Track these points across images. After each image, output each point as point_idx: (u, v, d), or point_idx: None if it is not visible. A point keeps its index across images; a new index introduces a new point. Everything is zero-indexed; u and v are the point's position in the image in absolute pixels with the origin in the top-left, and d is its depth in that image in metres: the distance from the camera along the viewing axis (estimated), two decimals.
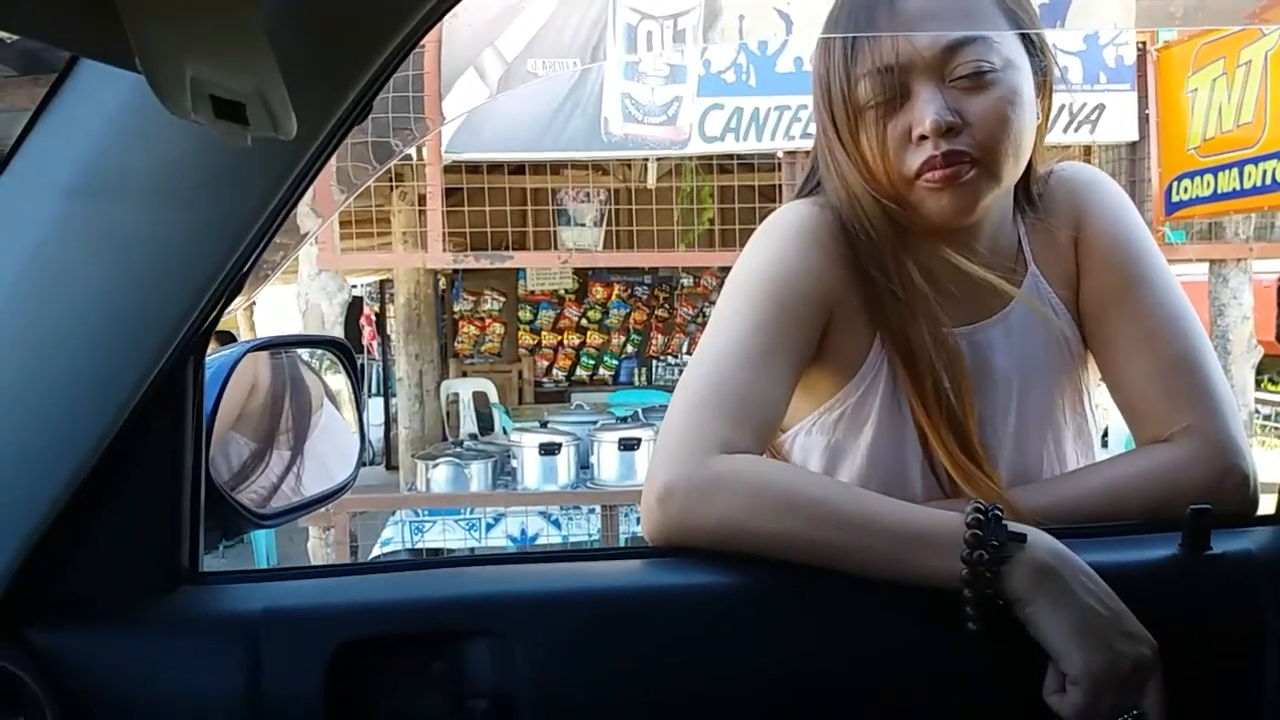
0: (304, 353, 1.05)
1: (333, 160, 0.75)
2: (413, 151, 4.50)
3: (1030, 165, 1.01)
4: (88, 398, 0.69)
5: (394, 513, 3.94)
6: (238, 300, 0.78)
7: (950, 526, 0.78)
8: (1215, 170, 3.42)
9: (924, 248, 0.97)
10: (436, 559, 1.00)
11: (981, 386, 0.99)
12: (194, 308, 0.69)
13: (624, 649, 0.76)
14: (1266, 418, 4.60)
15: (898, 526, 0.80)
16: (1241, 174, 3.29)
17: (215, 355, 0.84)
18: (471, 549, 4.11)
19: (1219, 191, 3.41)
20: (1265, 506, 0.93)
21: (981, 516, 0.77)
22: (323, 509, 1.04)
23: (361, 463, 1.00)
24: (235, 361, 0.86)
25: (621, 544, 3.91)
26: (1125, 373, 0.99)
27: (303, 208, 0.81)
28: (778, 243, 0.99)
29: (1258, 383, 5.19)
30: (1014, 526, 0.78)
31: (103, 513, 0.74)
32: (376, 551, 3.84)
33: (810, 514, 0.81)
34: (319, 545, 3.59)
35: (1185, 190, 3.58)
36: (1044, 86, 0.99)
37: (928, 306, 0.97)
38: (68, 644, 0.73)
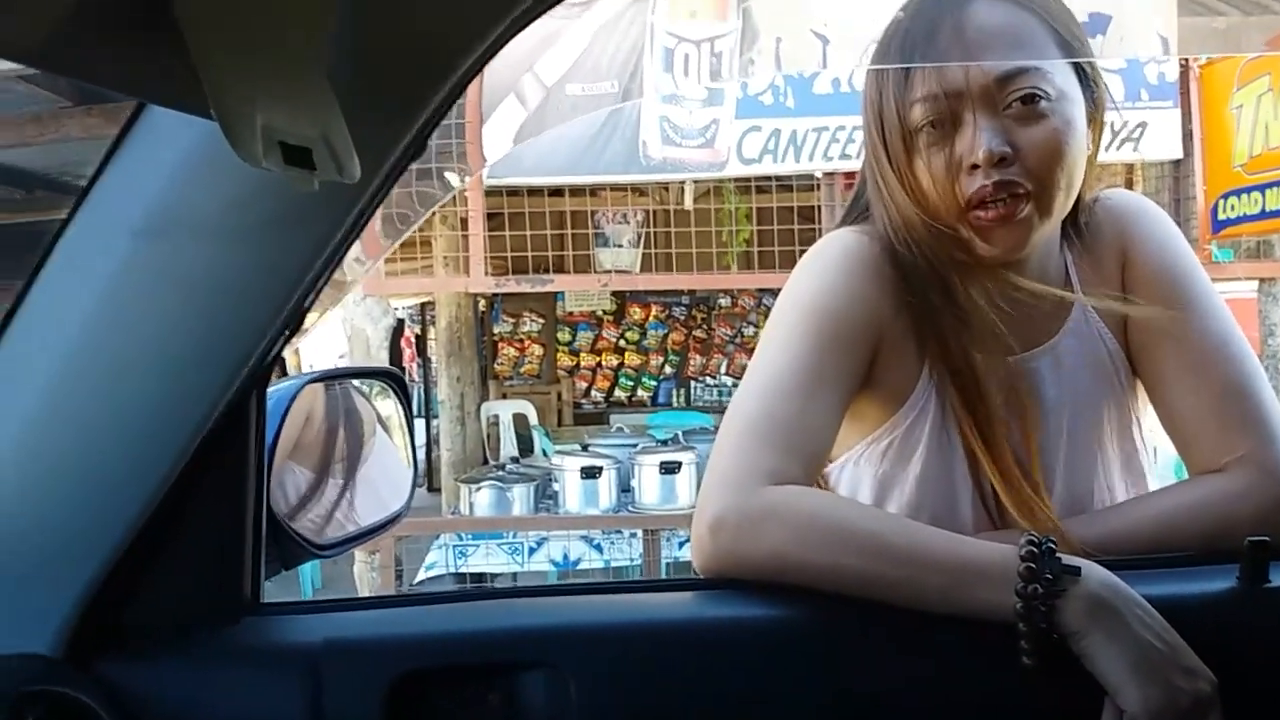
0: (356, 383, 1.07)
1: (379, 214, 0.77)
2: (453, 176, 4.56)
3: (1079, 195, 1.00)
4: (156, 431, 0.71)
5: (438, 536, 3.97)
6: (298, 337, 0.80)
7: (1004, 560, 0.77)
8: (1263, 188, 3.36)
9: (974, 274, 0.97)
10: (492, 589, 1.01)
11: (1031, 416, 0.98)
12: (257, 343, 0.71)
13: (677, 682, 0.76)
14: None
15: (950, 559, 0.79)
16: None
17: (275, 388, 0.86)
18: (514, 574, 4.12)
19: (1267, 209, 3.34)
20: None
21: (1035, 549, 0.76)
22: (377, 538, 1.05)
23: (414, 492, 1.02)
24: (295, 393, 0.88)
25: (663, 568, 3.89)
26: (1176, 402, 0.98)
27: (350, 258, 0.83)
28: (824, 271, 0.99)
29: None
30: (1068, 559, 0.77)
31: (169, 544, 0.76)
32: (421, 576, 3.86)
33: (862, 546, 0.80)
34: (364, 569, 3.62)
35: (1232, 208, 3.52)
36: (1096, 116, 0.98)
37: (981, 333, 0.96)
38: (135, 674, 0.75)
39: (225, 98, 0.46)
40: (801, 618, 0.79)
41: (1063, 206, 0.95)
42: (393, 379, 1.02)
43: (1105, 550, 0.89)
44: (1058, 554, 0.77)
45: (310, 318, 0.79)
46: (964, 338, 0.96)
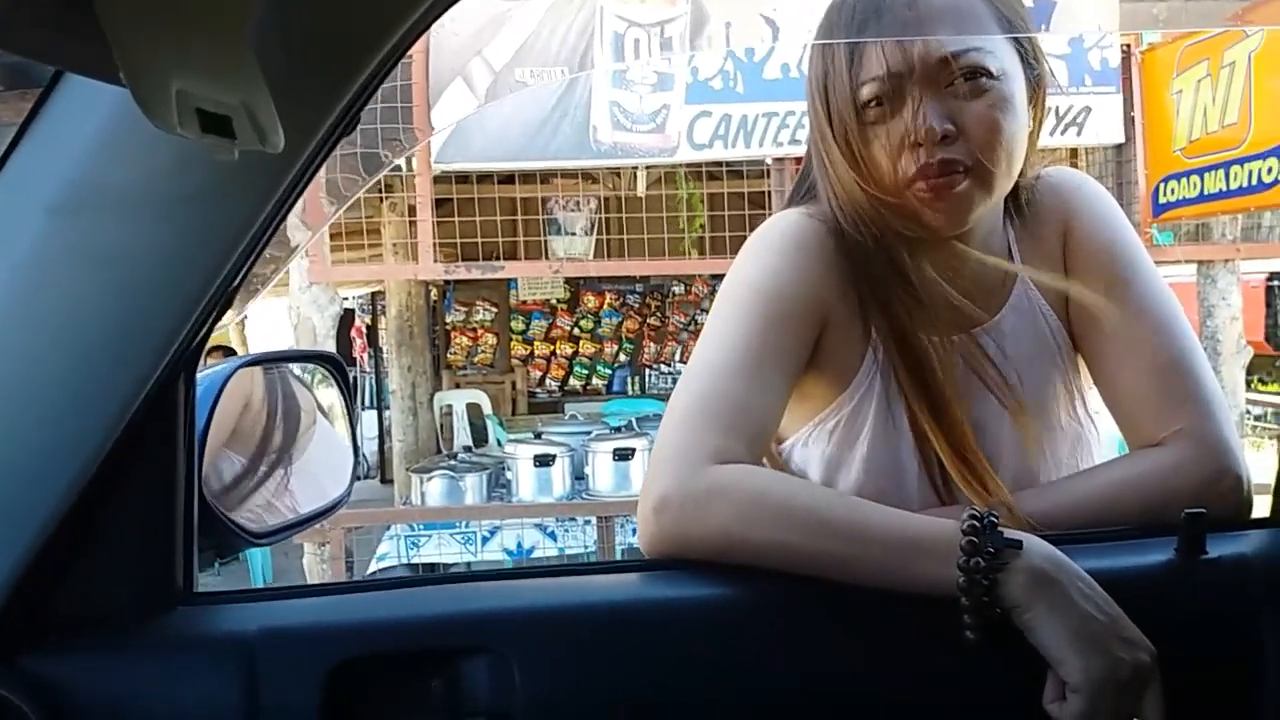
0: (296, 368, 1.05)
1: (322, 172, 0.75)
2: (402, 162, 4.50)
3: (1021, 173, 1.00)
4: (78, 416, 0.69)
5: (389, 527, 3.93)
6: (229, 314, 0.77)
7: (946, 534, 0.77)
8: (1201, 171, 3.44)
9: (919, 250, 0.97)
10: (432, 575, 0.99)
11: (977, 393, 0.99)
12: (184, 323, 0.68)
13: (622, 663, 0.76)
14: (1258, 418, 4.62)
15: (893, 535, 0.80)
16: (1228, 175, 3.31)
17: (207, 372, 0.84)
18: (468, 563, 4.09)
19: (1205, 193, 3.42)
20: (1260, 509, 0.93)
21: (977, 523, 0.77)
22: (317, 525, 1.03)
23: (355, 478, 1.00)
24: (227, 378, 0.85)
25: (618, 554, 3.89)
26: (1116, 377, 0.99)
27: (293, 220, 0.81)
28: (767, 252, 0.99)
29: (1248, 383, 5.21)
30: (1010, 533, 0.78)
31: (96, 533, 0.73)
32: (373, 567, 3.82)
33: (805, 524, 0.80)
34: (314, 561, 3.57)
35: (1172, 192, 3.60)
36: (1037, 95, 0.99)
37: (923, 311, 0.96)
38: (61, 667, 0.72)
39: (136, 62, 0.44)
40: (748, 597, 0.79)
41: (1004, 184, 0.95)
42: (332, 363, 0.99)
43: (1048, 525, 0.90)
44: (1000, 528, 0.77)
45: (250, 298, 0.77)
46: (910, 314, 0.96)
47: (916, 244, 0.97)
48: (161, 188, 0.64)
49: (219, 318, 0.74)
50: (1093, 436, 1.08)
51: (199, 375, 0.80)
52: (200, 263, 0.67)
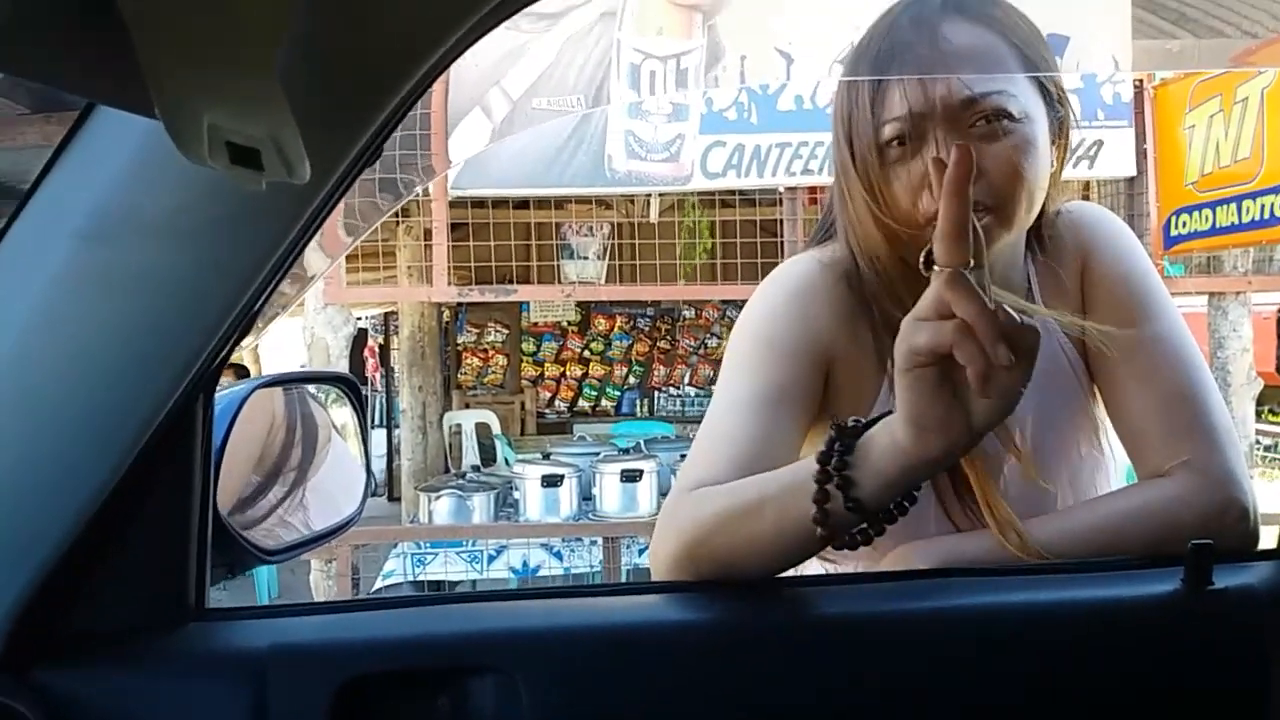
0: (310, 388, 1.06)
1: (340, 206, 0.77)
2: (419, 187, 4.54)
3: (1043, 209, 1.01)
4: (99, 434, 0.70)
5: (396, 545, 3.93)
6: (248, 338, 0.79)
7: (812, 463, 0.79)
8: (1213, 205, 3.45)
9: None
10: (441, 594, 1.00)
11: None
12: (204, 347, 0.70)
13: (628, 686, 0.76)
14: (1268, 449, 4.59)
15: (780, 483, 0.82)
16: (1240, 209, 3.32)
17: (225, 392, 0.85)
18: (474, 581, 4.09)
19: (1217, 226, 3.43)
20: (1267, 541, 0.93)
21: (837, 429, 0.78)
22: (328, 544, 1.05)
23: (367, 498, 1.01)
24: (244, 398, 0.87)
25: (624, 575, 3.88)
26: (1126, 406, 1.00)
27: (311, 247, 0.82)
28: (774, 297, 1.02)
29: (1258, 414, 5.18)
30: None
31: (112, 549, 0.75)
32: (379, 584, 3.82)
33: (719, 516, 0.84)
34: (321, 578, 3.58)
35: (1184, 225, 3.60)
36: (1061, 135, 1.00)
37: None
38: (74, 681, 0.73)
39: (171, 97, 0.46)
40: (751, 619, 0.80)
41: (1024, 222, 0.97)
42: (346, 384, 1.01)
43: (1054, 553, 0.91)
44: (852, 427, 0.78)
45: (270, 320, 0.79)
46: None
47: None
48: (187, 216, 0.66)
49: (239, 341, 0.75)
50: (1113, 468, 1.09)
51: (217, 395, 0.82)
52: (222, 289, 0.69)
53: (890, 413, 0.76)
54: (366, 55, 0.65)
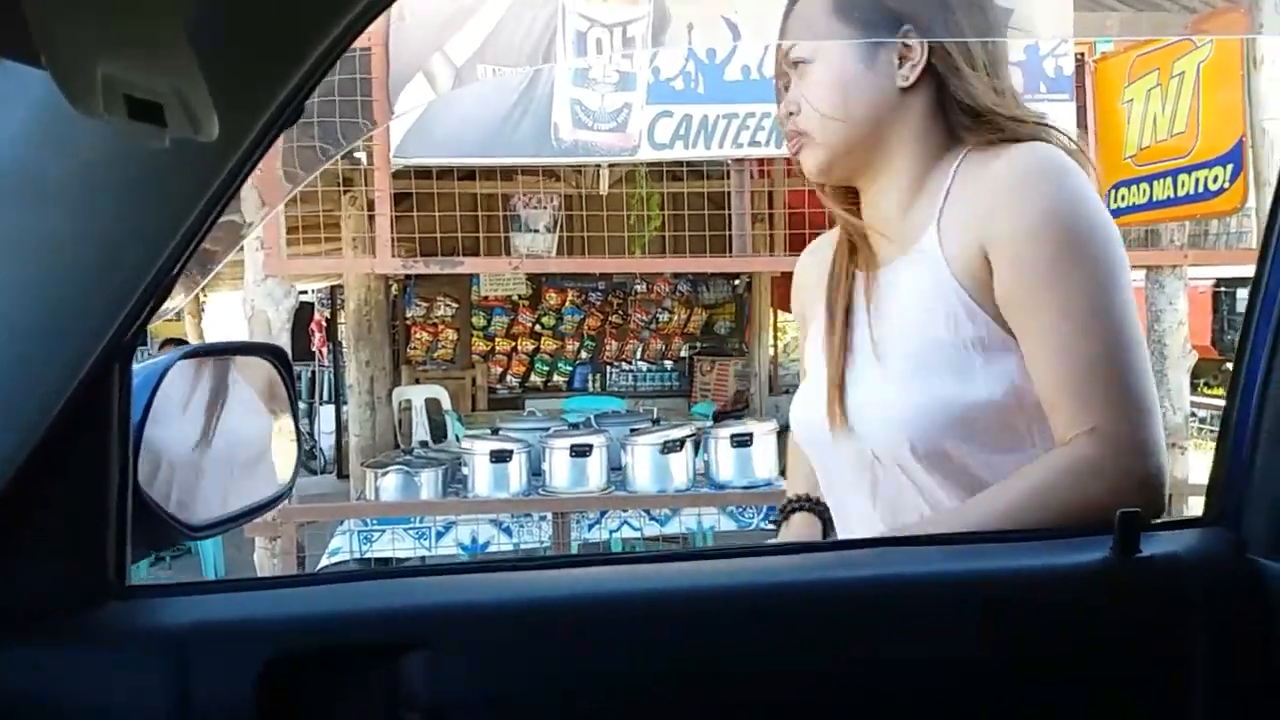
0: (239, 360, 1.03)
1: (279, 165, 0.74)
2: (362, 156, 4.45)
3: (1000, 128, 1.05)
4: (8, 406, 0.67)
5: (342, 522, 3.89)
6: (172, 303, 0.76)
7: None
8: (1150, 179, 3.51)
9: (848, 198, 1.18)
10: (368, 570, 0.99)
11: (858, 326, 1.13)
12: (117, 313, 0.67)
13: (559, 659, 0.76)
14: (1203, 421, 4.72)
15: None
16: (1175, 182, 3.38)
17: (146, 364, 0.82)
18: (422, 558, 4.06)
19: (1154, 199, 3.49)
20: (1195, 509, 0.95)
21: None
22: (261, 518, 1.03)
23: (298, 471, 0.99)
24: (165, 369, 0.84)
25: (573, 551, 3.89)
26: (1036, 372, 0.99)
27: (249, 189, 0.80)
28: None
29: (1195, 387, 5.32)
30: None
31: (24, 524, 0.72)
32: (325, 562, 3.77)
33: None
34: (265, 556, 3.53)
35: (1123, 198, 3.66)
36: (902, 53, 1.08)
37: (853, 249, 1.18)
38: None
39: (57, 43, 0.43)
40: (683, 588, 0.80)
41: (844, 138, 1.10)
42: (275, 355, 0.98)
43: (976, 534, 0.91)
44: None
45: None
46: (846, 252, 1.18)
47: (849, 191, 1.17)
48: (96, 175, 0.63)
49: (156, 308, 0.72)
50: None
51: (137, 367, 0.79)
52: (135, 252, 0.66)
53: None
54: (284, 7, 0.62)
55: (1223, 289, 9.97)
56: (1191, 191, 3.31)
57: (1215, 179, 3.20)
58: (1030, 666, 0.82)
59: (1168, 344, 3.70)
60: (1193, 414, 4.31)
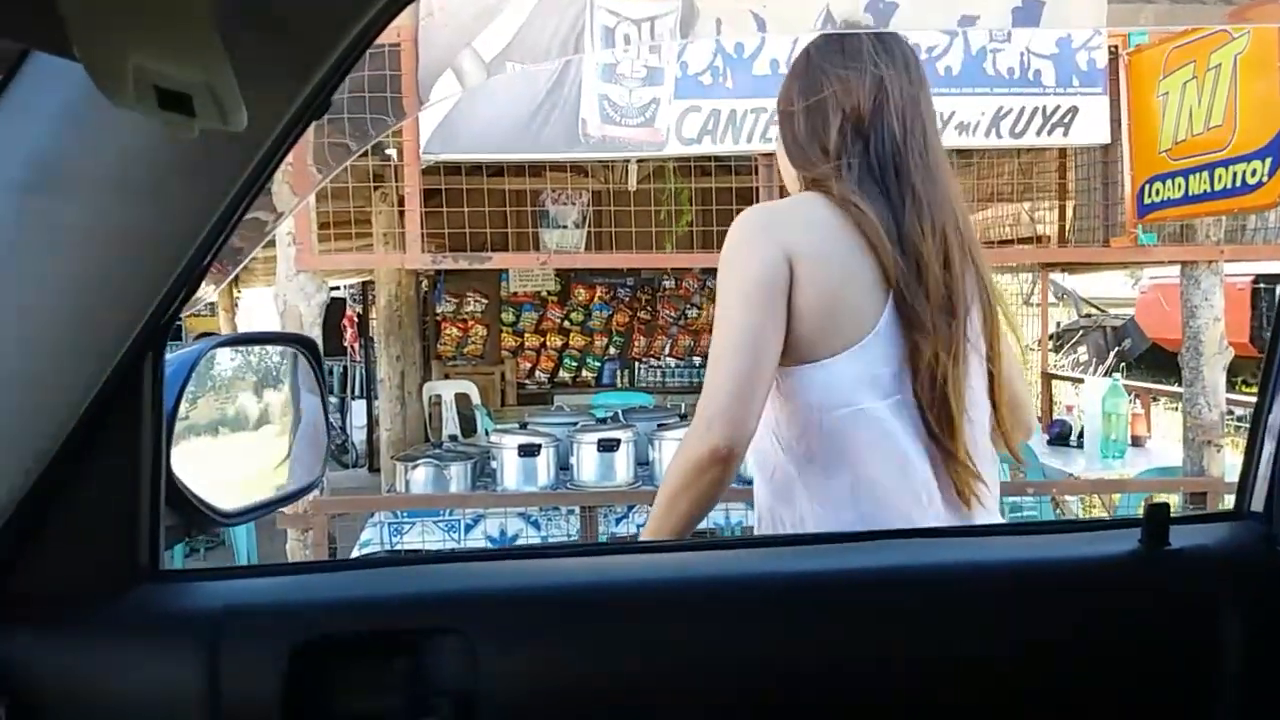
0: (271, 350, 1.05)
1: (311, 161, 0.75)
2: (393, 152, 4.48)
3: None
4: (44, 394, 0.69)
5: (373, 515, 3.92)
6: (203, 293, 0.78)
7: None
8: (1186, 173, 3.45)
9: None
10: (397, 556, 1.00)
11: None
12: (150, 303, 0.69)
13: (587, 643, 0.76)
14: (1240, 419, 4.66)
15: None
16: (1212, 176, 3.32)
17: (179, 353, 0.84)
18: (451, 550, 4.09)
19: (1190, 194, 3.43)
20: (1227, 502, 0.95)
21: None
22: (292, 509, 1.04)
23: (327, 461, 1.00)
24: (198, 358, 0.85)
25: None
26: None
27: (281, 185, 0.81)
28: None
29: (1234, 385, 5.23)
30: None
31: (60, 510, 0.74)
32: (356, 554, 3.81)
33: None
34: (298, 547, 3.57)
35: (1157, 193, 3.60)
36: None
37: None
38: (23, 642, 0.73)
39: (90, 35, 0.44)
40: (709, 577, 0.80)
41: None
42: (306, 345, 0.99)
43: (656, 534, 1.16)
44: None
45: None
46: None
47: None
48: (130, 167, 0.65)
49: (188, 297, 0.74)
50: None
51: (170, 356, 0.80)
52: (168, 243, 0.67)
53: None
54: (310, 4, 0.63)
55: (1262, 285, 9.78)
56: (1229, 186, 3.25)
57: (1254, 173, 3.15)
58: (1060, 656, 0.82)
59: (1203, 340, 3.64)
60: (1230, 411, 4.24)
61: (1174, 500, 3.71)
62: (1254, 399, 0.94)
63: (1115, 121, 3.71)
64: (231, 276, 0.83)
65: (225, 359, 0.94)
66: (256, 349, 1.00)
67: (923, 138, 1.24)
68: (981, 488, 1.15)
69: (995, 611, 0.82)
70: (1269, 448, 0.91)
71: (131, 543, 0.76)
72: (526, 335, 9.04)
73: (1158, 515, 0.83)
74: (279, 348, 1.04)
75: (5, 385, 0.68)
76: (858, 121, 1.23)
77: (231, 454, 0.96)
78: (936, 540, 0.88)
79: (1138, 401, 5.10)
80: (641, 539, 1.21)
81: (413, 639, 0.77)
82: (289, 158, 0.73)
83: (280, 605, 0.77)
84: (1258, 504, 0.91)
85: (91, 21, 0.44)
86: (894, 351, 1.18)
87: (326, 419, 1.02)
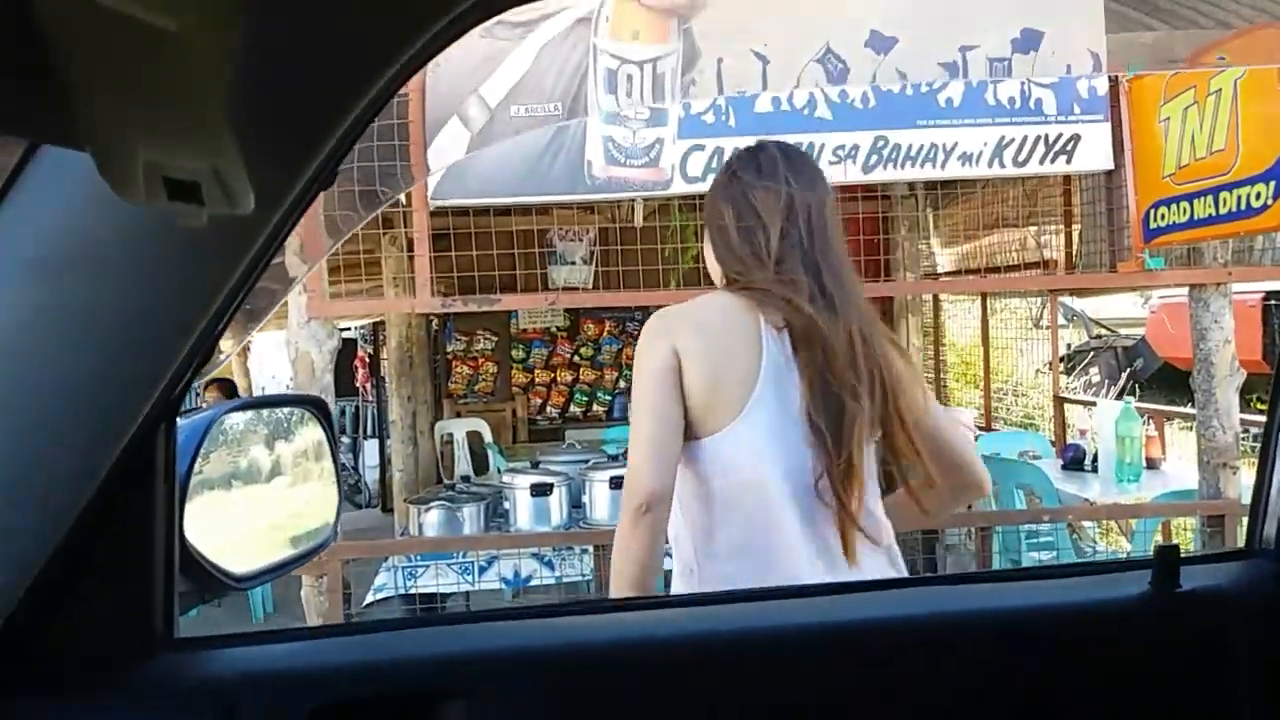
0: (281, 411, 1.06)
1: (321, 209, 0.76)
2: (402, 197, 4.52)
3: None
4: (60, 467, 0.70)
5: (386, 559, 3.92)
6: (222, 354, 0.79)
7: None
8: (1190, 197, 3.46)
9: None
10: (409, 618, 1.00)
11: None
12: (162, 377, 0.70)
13: (597, 705, 0.76)
14: (1256, 437, 4.61)
15: None
16: (1217, 200, 3.32)
17: (191, 420, 0.85)
18: (465, 593, 4.07)
19: (1195, 218, 3.43)
20: (1232, 540, 0.94)
21: None
22: (302, 567, 1.05)
23: (339, 520, 1.01)
24: (210, 424, 0.86)
25: None
26: None
27: (291, 255, 0.82)
28: None
29: (1247, 403, 5.19)
30: None
31: (77, 581, 0.75)
32: (370, 599, 3.80)
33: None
34: (312, 593, 3.56)
35: (1162, 217, 3.61)
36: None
37: None
38: (42, 714, 0.73)
39: (102, 133, 0.46)
40: (719, 633, 0.80)
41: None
42: (316, 406, 1.01)
43: (618, 577, 1.46)
44: None
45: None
46: None
47: None
48: (139, 244, 0.66)
49: (200, 368, 0.75)
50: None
51: (183, 422, 0.81)
52: (178, 317, 0.69)
53: None
54: (312, 81, 0.64)
55: (1273, 302, 9.74)
56: (1233, 209, 3.25)
57: (1258, 195, 3.15)
58: (1072, 704, 0.82)
59: (1214, 362, 3.62)
60: (1245, 430, 4.20)
61: (1191, 523, 3.66)
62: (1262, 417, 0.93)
63: (1118, 146, 3.72)
64: (244, 341, 0.85)
65: (237, 422, 0.95)
66: (265, 411, 1.01)
67: (830, 242, 1.53)
68: (862, 539, 1.40)
69: (1007, 660, 0.81)
70: (1278, 482, 0.91)
71: (147, 611, 0.77)
72: (537, 371, 9.06)
73: (1168, 556, 0.83)
74: (288, 409, 1.05)
75: (22, 459, 0.69)
76: (781, 231, 1.51)
77: (243, 517, 0.97)
78: (945, 588, 0.88)
79: (1151, 424, 5.07)
80: (612, 593, 1.40)
81: (424, 702, 0.77)
82: (300, 224, 0.74)
83: (294, 672, 0.77)
84: (1269, 540, 0.90)
85: (104, 118, 0.45)
86: (774, 423, 1.45)
87: (338, 479, 1.03)
